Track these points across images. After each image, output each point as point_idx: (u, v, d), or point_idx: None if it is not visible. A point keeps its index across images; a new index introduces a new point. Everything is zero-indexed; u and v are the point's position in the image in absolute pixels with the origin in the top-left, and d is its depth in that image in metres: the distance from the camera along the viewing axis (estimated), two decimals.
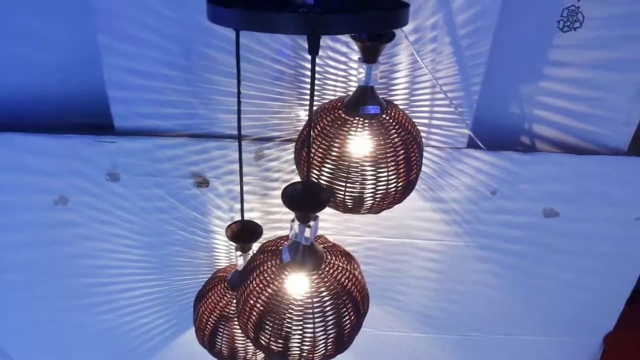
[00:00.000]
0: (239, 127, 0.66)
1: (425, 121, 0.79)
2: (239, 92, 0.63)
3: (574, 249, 0.91)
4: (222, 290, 0.79)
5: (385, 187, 0.65)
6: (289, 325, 0.60)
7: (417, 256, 0.91)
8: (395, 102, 0.73)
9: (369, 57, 0.61)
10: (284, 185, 0.84)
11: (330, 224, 0.88)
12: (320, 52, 0.73)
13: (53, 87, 0.85)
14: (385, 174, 0.64)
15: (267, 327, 0.61)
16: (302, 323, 0.60)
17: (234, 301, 0.76)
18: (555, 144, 0.87)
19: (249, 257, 0.72)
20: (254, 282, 0.62)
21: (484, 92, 0.78)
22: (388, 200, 0.67)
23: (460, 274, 0.93)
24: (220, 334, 0.77)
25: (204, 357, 1.03)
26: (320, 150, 0.65)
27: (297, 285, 0.61)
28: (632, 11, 0.74)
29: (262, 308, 0.61)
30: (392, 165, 0.64)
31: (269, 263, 0.63)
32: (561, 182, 0.84)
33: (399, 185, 0.65)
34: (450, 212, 0.87)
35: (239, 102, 0.64)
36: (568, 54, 0.79)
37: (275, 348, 0.62)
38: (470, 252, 0.90)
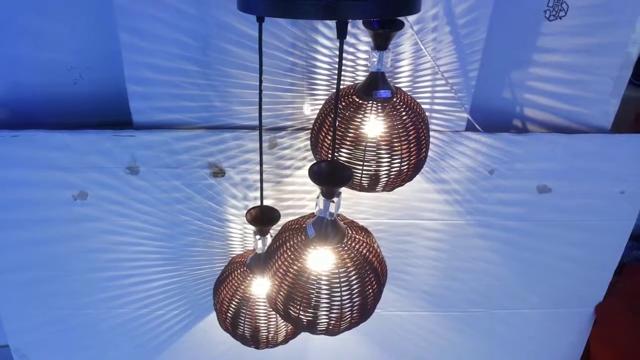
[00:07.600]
0: (260, 117, 0.70)
1: (427, 107, 0.85)
2: (260, 82, 0.68)
3: (565, 223, 0.97)
4: (241, 274, 0.82)
5: (398, 165, 0.70)
6: (317, 295, 0.64)
7: (422, 236, 0.96)
8: None
9: (381, 44, 0.66)
10: (296, 173, 0.89)
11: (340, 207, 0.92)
12: (330, 44, 0.78)
13: (67, 86, 0.87)
14: (399, 153, 0.69)
15: (297, 298, 0.65)
16: (329, 293, 0.64)
17: (255, 283, 0.80)
18: (544, 125, 0.93)
19: (269, 239, 0.76)
20: (281, 257, 0.66)
21: (478, 78, 0.84)
22: (401, 177, 0.72)
23: (462, 251, 0.99)
24: (243, 315, 0.81)
25: (218, 346, 1.06)
26: (338, 134, 0.69)
27: (323, 258, 0.65)
28: None
29: (291, 281, 0.65)
30: (405, 145, 0.69)
31: (295, 239, 0.67)
32: (552, 160, 0.90)
33: (411, 163, 0.71)
34: (452, 193, 0.92)
35: (260, 92, 0.68)
36: (554, 41, 0.86)
37: (304, 319, 0.66)
38: (472, 230, 0.96)
